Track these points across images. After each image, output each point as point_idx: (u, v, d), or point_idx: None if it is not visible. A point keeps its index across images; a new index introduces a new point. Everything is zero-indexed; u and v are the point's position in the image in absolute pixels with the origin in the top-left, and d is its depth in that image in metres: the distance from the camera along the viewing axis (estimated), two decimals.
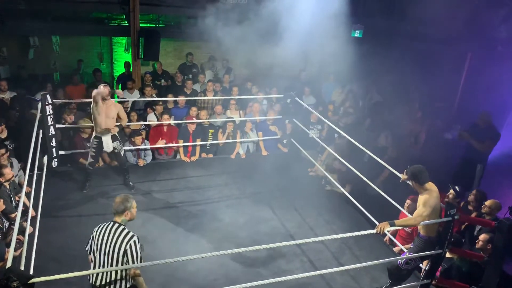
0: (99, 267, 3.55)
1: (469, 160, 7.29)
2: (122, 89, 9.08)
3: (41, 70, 10.29)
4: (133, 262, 3.48)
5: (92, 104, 5.96)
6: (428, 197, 4.26)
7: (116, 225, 3.59)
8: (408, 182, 4.57)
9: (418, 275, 4.93)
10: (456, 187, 5.56)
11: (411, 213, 5.40)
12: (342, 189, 6.23)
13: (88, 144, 6.81)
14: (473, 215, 5.58)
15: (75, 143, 6.94)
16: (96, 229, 3.66)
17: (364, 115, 8.79)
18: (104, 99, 5.91)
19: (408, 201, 5.60)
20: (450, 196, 5.54)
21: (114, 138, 6.21)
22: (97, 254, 3.56)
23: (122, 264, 3.51)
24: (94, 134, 6.14)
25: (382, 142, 7.35)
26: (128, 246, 3.47)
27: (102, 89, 5.85)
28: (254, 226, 5.89)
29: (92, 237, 3.64)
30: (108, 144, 6.13)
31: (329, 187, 6.98)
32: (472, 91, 9.33)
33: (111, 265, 3.50)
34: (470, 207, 5.68)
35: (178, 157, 7.61)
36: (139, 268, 3.58)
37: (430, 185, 4.35)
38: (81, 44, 10.89)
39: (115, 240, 3.50)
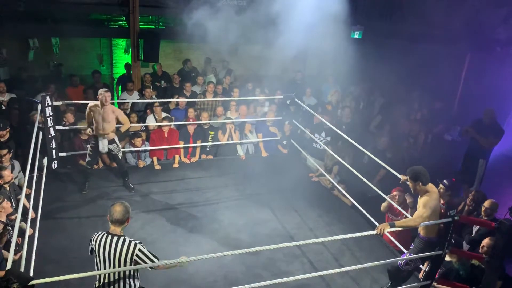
0: (105, 281, 3.47)
1: (471, 156, 7.33)
2: (122, 90, 9.10)
3: (41, 72, 10.29)
4: (152, 262, 3.45)
5: (89, 106, 6.04)
6: (428, 199, 4.27)
7: (116, 238, 3.43)
8: (407, 182, 4.56)
9: (418, 276, 4.93)
10: (445, 180, 5.56)
11: (401, 205, 5.45)
12: (350, 198, 6.21)
13: (88, 146, 6.83)
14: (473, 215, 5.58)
15: (75, 144, 6.94)
16: (94, 239, 3.49)
17: (368, 116, 8.81)
18: (103, 104, 5.97)
19: (395, 193, 5.62)
20: (441, 190, 5.52)
21: (111, 141, 6.20)
22: (101, 267, 3.47)
23: (132, 275, 3.48)
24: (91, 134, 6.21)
25: (383, 144, 7.35)
26: (136, 257, 3.40)
27: (104, 94, 5.93)
28: (254, 228, 5.89)
29: (92, 248, 3.50)
30: (103, 145, 6.13)
31: (337, 192, 6.97)
32: (471, 92, 9.34)
33: (119, 278, 3.44)
34: (470, 208, 5.69)
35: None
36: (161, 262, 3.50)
37: (431, 187, 4.36)
38: (80, 46, 10.88)
39: (119, 254, 3.38)
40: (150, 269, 3.51)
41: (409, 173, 4.40)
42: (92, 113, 6.02)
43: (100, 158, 7.01)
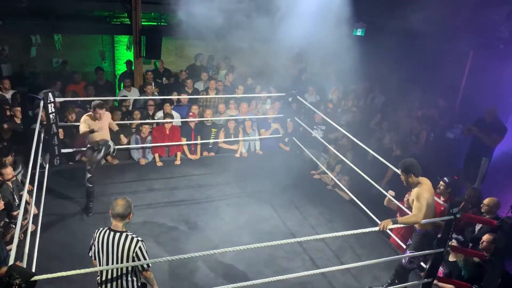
0: (107, 277, 3.48)
1: (474, 154, 7.30)
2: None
3: (43, 68, 10.30)
4: (143, 267, 3.47)
5: (84, 120, 5.67)
6: (420, 190, 4.24)
7: (118, 234, 3.43)
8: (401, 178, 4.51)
9: (419, 274, 4.94)
10: (445, 178, 5.53)
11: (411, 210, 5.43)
12: (351, 195, 6.21)
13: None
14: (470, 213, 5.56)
15: (77, 141, 6.94)
16: (97, 235, 3.49)
17: (370, 114, 8.81)
18: (97, 119, 5.70)
19: (407, 196, 5.61)
20: (441, 187, 5.51)
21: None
22: (103, 263, 3.48)
23: (133, 271, 3.49)
24: (88, 146, 5.80)
25: (387, 143, 7.35)
26: (134, 254, 3.41)
27: (99, 111, 5.65)
28: (255, 225, 5.90)
29: (94, 244, 3.52)
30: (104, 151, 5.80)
31: (333, 188, 6.98)
32: (473, 90, 9.31)
33: (121, 274, 3.46)
34: (468, 205, 5.67)
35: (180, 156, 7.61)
36: (150, 268, 3.55)
37: (422, 179, 4.35)
38: (83, 42, 10.88)
39: (121, 250, 3.40)
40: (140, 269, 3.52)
41: (401, 166, 4.37)
42: (89, 125, 5.65)
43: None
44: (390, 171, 6.42)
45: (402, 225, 4.36)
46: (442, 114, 8.83)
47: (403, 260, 4.57)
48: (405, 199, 5.61)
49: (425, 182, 4.34)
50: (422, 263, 4.76)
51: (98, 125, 5.72)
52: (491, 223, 4.55)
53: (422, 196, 4.21)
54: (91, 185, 5.80)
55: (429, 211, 4.28)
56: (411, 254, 4.47)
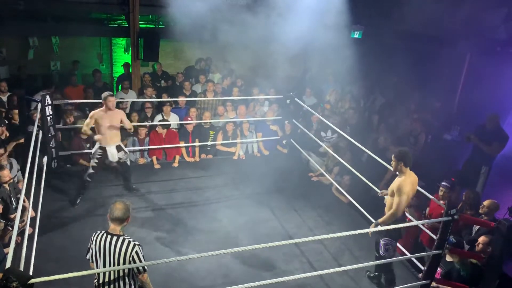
0: (104, 280, 3.48)
1: (474, 163, 7.21)
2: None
3: (40, 70, 10.29)
4: (139, 270, 3.45)
5: (93, 114, 5.72)
6: (402, 182, 4.38)
7: (115, 238, 3.43)
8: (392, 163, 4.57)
9: (417, 275, 4.94)
10: (444, 182, 5.55)
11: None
12: (349, 197, 6.22)
13: (87, 145, 6.81)
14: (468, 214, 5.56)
15: (74, 144, 6.93)
16: (94, 239, 3.49)
17: (370, 116, 8.82)
18: (109, 109, 5.74)
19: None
20: (441, 193, 5.53)
21: (119, 148, 5.95)
22: (101, 266, 3.48)
23: (130, 274, 3.48)
24: (98, 145, 5.82)
25: (382, 143, 7.37)
26: (131, 258, 3.40)
27: (111, 99, 5.70)
28: (253, 227, 5.89)
29: (92, 247, 3.51)
30: (113, 154, 5.86)
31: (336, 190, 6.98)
32: (471, 92, 9.33)
33: (118, 277, 3.45)
34: (466, 207, 5.68)
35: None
36: (147, 272, 3.54)
37: (409, 172, 4.46)
38: (80, 44, 10.87)
39: (118, 254, 3.39)
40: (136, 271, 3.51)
41: (395, 152, 4.53)
42: (96, 120, 5.69)
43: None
44: (388, 172, 6.43)
45: (388, 227, 4.40)
46: (440, 116, 8.85)
47: (380, 252, 4.66)
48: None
49: (410, 175, 4.46)
50: (420, 264, 4.77)
51: (109, 121, 5.73)
52: (489, 225, 4.56)
53: (402, 190, 4.34)
54: (90, 180, 5.96)
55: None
56: (384, 242, 4.57)
